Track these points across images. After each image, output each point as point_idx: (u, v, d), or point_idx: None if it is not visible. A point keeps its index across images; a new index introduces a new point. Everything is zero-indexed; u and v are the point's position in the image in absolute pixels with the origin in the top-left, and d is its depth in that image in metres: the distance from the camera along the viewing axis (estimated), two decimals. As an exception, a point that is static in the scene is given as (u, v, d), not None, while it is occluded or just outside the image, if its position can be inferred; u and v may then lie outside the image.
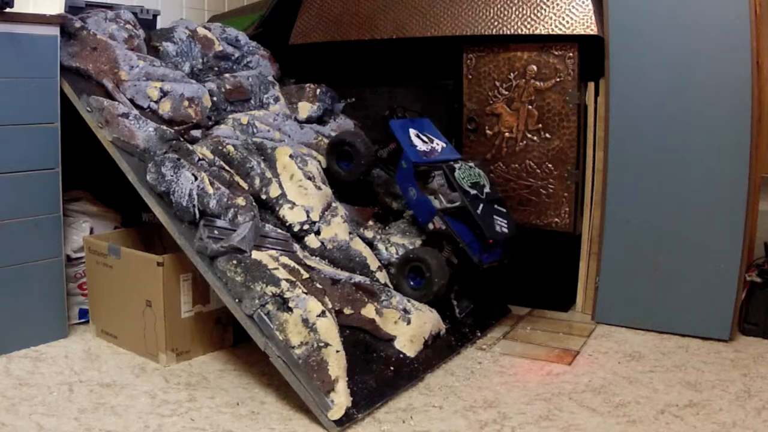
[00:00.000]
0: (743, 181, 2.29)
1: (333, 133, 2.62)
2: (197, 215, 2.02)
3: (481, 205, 2.29)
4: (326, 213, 2.24)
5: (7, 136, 2.10)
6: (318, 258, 2.17)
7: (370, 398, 1.88)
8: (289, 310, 1.87)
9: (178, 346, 2.16)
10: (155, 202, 2.07)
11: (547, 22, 2.52)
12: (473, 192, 2.30)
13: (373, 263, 2.24)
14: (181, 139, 2.22)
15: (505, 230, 2.29)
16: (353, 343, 1.99)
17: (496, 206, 2.33)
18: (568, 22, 2.49)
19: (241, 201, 2.07)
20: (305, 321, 1.86)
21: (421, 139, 2.42)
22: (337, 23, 2.95)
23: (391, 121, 2.45)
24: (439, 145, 2.46)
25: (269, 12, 3.14)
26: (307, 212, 2.19)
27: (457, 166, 2.35)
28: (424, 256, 2.22)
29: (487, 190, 2.35)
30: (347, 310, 2.03)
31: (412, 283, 2.25)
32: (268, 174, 2.23)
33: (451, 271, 2.27)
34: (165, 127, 2.20)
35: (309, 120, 2.68)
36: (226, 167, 2.20)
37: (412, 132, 2.43)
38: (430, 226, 2.31)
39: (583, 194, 2.64)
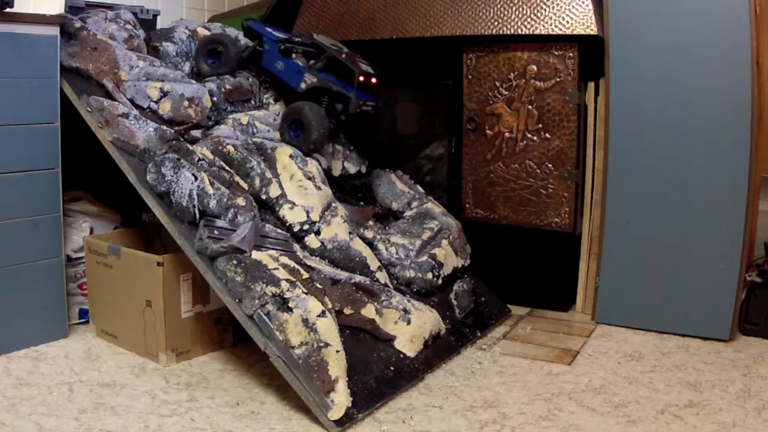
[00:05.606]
0: (743, 181, 2.29)
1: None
2: (197, 215, 2.02)
3: (344, 54, 2.48)
4: (326, 213, 2.24)
5: (7, 136, 2.10)
6: (318, 258, 2.16)
7: (370, 398, 1.88)
8: (289, 310, 1.87)
9: (178, 346, 2.16)
10: (155, 202, 2.07)
11: (547, 22, 2.52)
12: (335, 47, 2.51)
13: (373, 263, 2.24)
14: (181, 139, 2.22)
15: (371, 70, 2.47)
16: (353, 343, 1.99)
17: (358, 56, 2.53)
18: (568, 22, 2.49)
19: (241, 201, 2.07)
20: (305, 321, 1.86)
21: (278, 32, 2.60)
22: (337, 23, 2.95)
23: (248, 22, 2.60)
24: (294, 37, 2.65)
25: (269, 12, 3.14)
26: (307, 212, 2.19)
27: (315, 35, 2.56)
28: (301, 107, 2.34)
29: (345, 50, 2.53)
30: (347, 310, 2.03)
31: (292, 134, 2.36)
32: (268, 174, 2.23)
33: (334, 123, 2.41)
34: (165, 127, 2.20)
35: (309, 120, 2.68)
36: (226, 167, 2.20)
37: (269, 28, 2.59)
38: (303, 85, 2.42)
39: (583, 194, 2.64)
